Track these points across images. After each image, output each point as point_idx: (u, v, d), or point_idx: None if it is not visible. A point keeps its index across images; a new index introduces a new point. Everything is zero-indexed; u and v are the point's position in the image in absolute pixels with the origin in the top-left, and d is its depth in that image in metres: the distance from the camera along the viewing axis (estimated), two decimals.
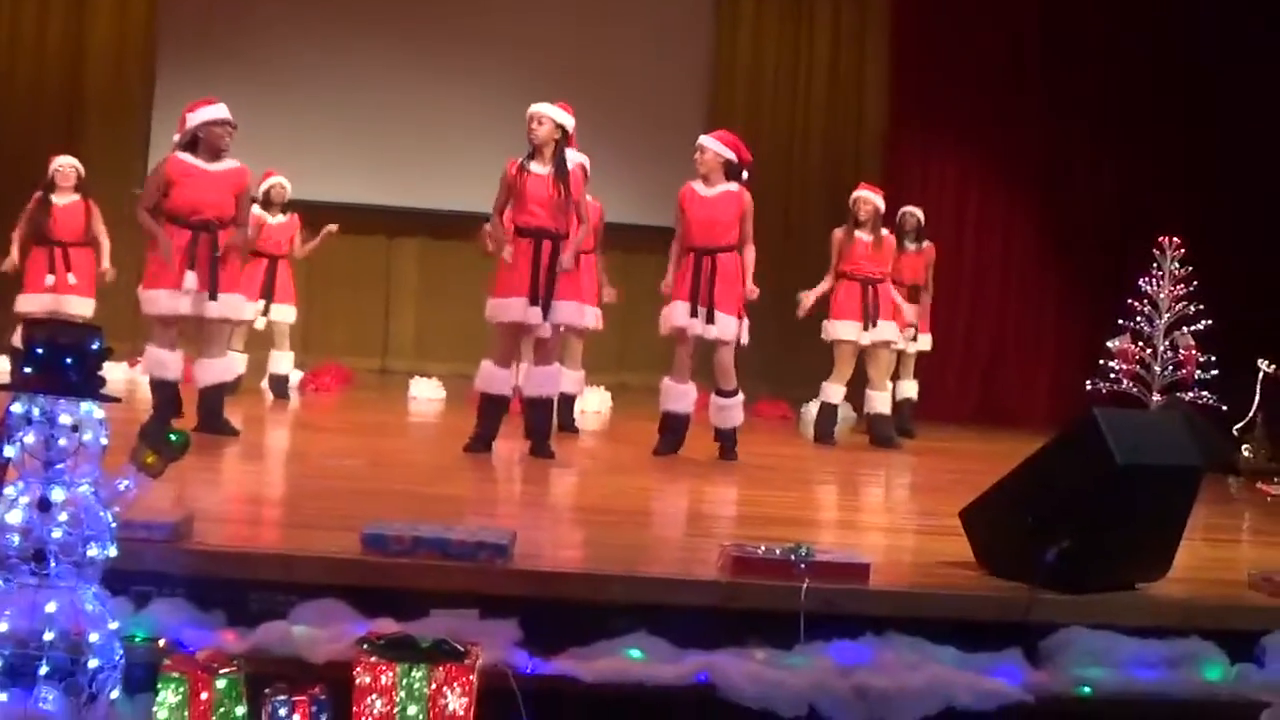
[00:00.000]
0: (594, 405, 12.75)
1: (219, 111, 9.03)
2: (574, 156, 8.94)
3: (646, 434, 9.62)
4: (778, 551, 5.18)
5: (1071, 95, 15.12)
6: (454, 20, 15.39)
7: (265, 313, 12.11)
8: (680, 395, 9.38)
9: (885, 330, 11.31)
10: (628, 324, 13.26)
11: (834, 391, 11.43)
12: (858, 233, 11.25)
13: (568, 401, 10.56)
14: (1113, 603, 5.26)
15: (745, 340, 9.36)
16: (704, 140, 9.57)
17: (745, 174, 9.42)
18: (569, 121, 8.83)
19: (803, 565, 5.06)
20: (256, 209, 11.87)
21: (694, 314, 9.23)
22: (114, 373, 6.66)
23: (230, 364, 9.16)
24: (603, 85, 14.23)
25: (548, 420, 8.99)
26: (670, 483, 8.25)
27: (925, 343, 12.67)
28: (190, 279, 8.61)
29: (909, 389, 12.60)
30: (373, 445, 9.26)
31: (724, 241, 9.31)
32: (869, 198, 11.39)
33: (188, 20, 15.09)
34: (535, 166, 8.73)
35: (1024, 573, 5.23)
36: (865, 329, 11.13)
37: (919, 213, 12.60)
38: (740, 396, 9.45)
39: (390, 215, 15.53)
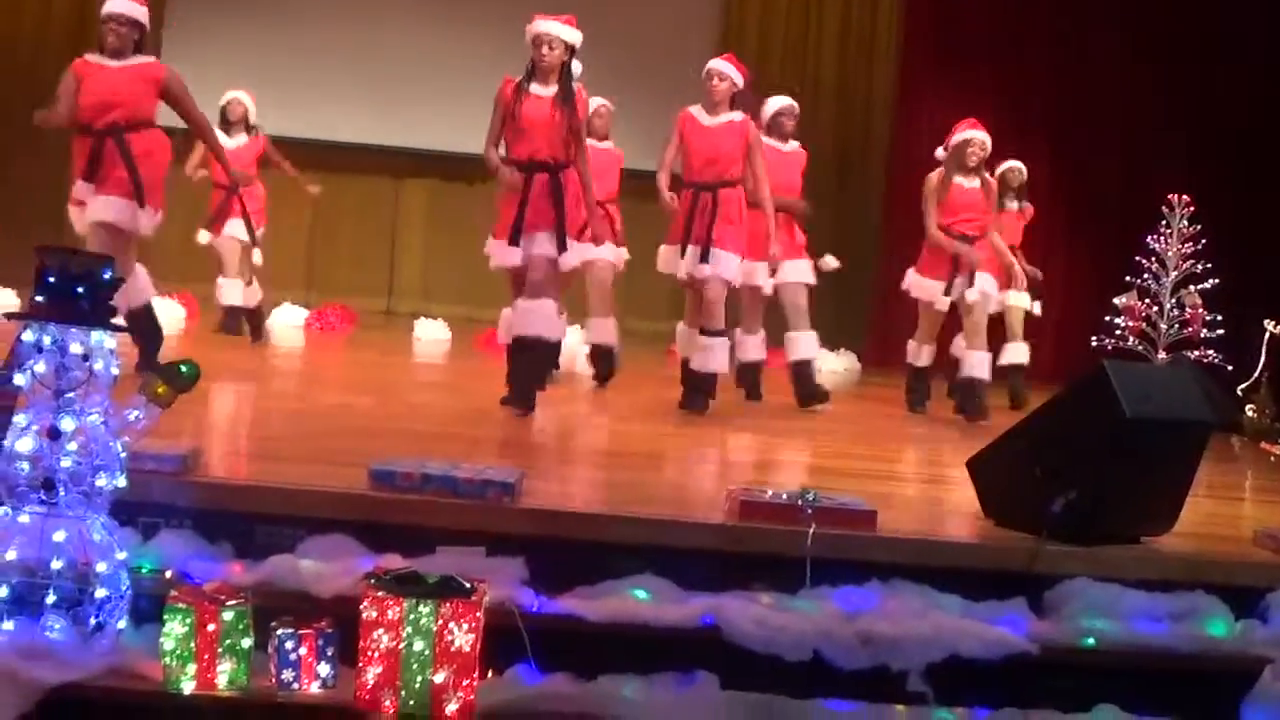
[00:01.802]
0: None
1: (109, 5, 8.03)
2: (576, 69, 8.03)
3: (652, 380, 9.62)
4: (785, 496, 5.20)
5: (1081, 56, 15.05)
6: None
7: (253, 244, 11.38)
8: (697, 343, 8.79)
9: (983, 282, 9.87)
10: (632, 269, 13.20)
11: (923, 354, 10.28)
12: (960, 179, 9.79)
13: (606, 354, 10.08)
14: (1118, 555, 5.27)
15: (769, 290, 9.14)
16: (719, 65, 8.88)
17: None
18: (578, 39, 7.88)
19: (809, 510, 5.08)
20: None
21: (704, 259, 8.62)
22: None
23: (146, 284, 8.23)
24: (611, 30, 14.07)
25: (531, 365, 8.06)
26: (678, 427, 8.21)
27: (1025, 301, 11.51)
28: (81, 188, 7.83)
29: (1018, 353, 11.44)
30: (379, 384, 9.26)
31: (728, 175, 8.69)
32: (982, 140, 9.86)
33: None
34: (536, 87, 7.80)
35: (1030, 523, 5.24)
36: (948, 293, 9.80)
37: (1023, 169, 11.64)
38: (726, 340, 8.87)
39: (399, 156, 15.48)
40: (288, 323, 12.91)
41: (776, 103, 10.01)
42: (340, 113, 14.71)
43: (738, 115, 8.84)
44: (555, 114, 7.73)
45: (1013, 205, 11.43)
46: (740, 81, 8.86)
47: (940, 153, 10.04)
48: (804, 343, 9.74)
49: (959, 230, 9.74)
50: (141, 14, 8.03)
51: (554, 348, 8.57)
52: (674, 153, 8.93)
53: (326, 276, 15.20)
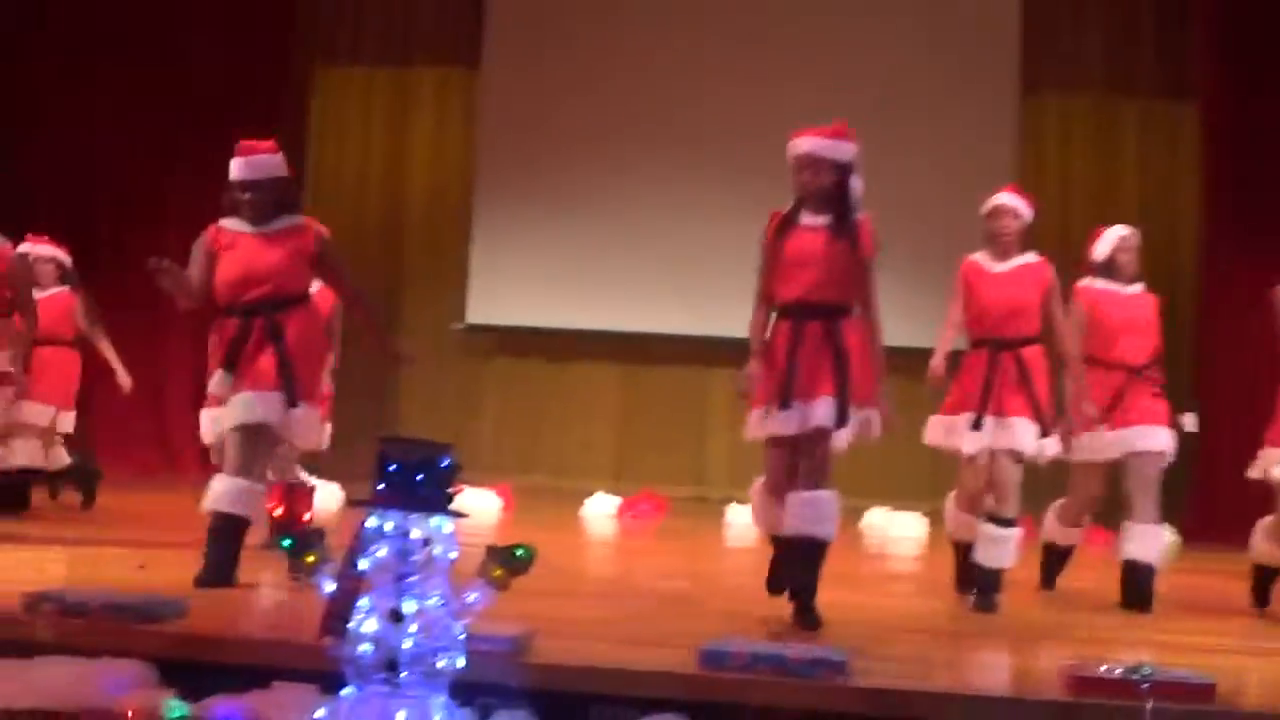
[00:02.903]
0: (912, 531, 12.58)
1: (233, 171, 6.76)
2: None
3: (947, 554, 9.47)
4: (1118, 671, 5.07)
5: None
6: (768, 152, 15.52)
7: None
8: (968, 527, 7.78)
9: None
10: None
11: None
12: None
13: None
14: None
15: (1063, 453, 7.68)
16: (1008, 200, 7.70)
17: None
18: (850, 154, 6.45)
19: (1145, 685, 4.94)
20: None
21: (977, 425, 7.38)
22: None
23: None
24: (895, 200, 13.87)
25: (812, 571, 6.48)
26: (1002, 603, 8.03)
27: None
28: (220, 379, 6.64)
29: None
30: (696, 569, 9.31)
31: (1028, 331, 7.53)
32: None
33: (505, 156, 15.46)
34: (806, 217, 6.45)
35: None
36: None
37: None
38: (1019, 530, 7.59)
39: (707, 344, 15.68)
40: (601, 512, 13.08)
41: (1112, 236, 8.34)
42: (648, 303, 15.02)
43: (1032, 257, 7.72)
44: (832, 247, 6.34)
45: None
46: (1030, 217, 7.76)
47: None
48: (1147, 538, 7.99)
49: None
50: (276, 168, 6.82)
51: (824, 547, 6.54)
52: (959, 309, 7.76)
53: (635, 465, 15.40)
